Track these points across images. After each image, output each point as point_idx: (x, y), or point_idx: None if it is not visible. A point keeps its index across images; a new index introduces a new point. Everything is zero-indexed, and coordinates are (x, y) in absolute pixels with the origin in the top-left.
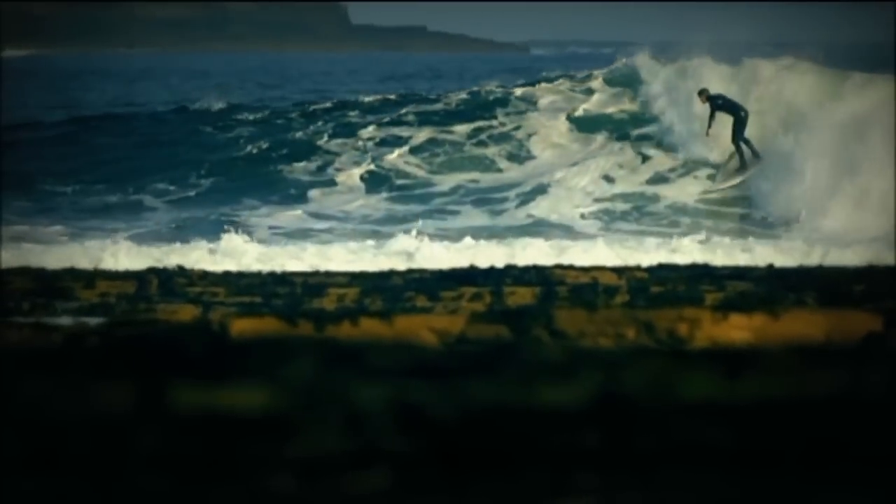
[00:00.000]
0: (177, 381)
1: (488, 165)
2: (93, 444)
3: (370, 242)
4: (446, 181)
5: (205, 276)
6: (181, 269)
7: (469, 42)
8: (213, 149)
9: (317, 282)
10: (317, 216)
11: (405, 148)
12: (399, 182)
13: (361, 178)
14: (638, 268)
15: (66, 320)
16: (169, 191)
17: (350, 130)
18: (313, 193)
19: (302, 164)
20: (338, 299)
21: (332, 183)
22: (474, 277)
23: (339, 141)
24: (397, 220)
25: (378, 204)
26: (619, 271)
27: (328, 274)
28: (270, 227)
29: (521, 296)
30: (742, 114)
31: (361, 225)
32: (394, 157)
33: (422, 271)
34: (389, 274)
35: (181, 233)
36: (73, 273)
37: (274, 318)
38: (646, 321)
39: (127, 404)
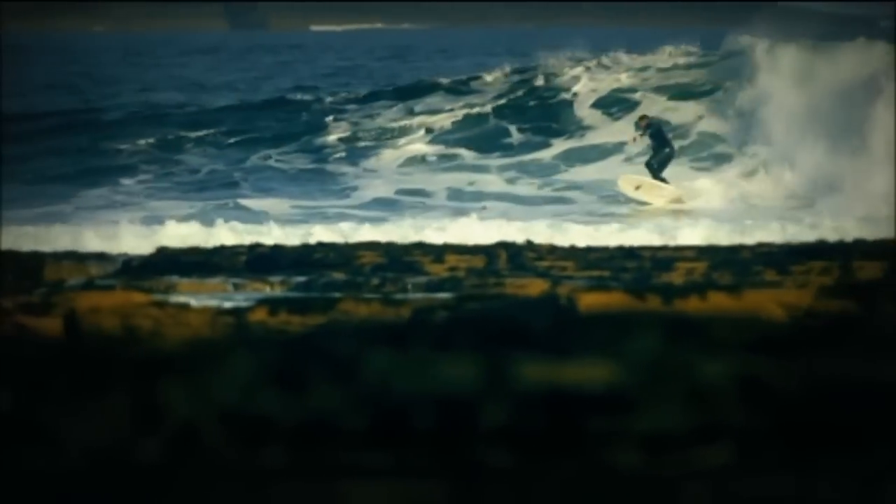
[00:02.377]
0: (522, 355)
1: None
2: (438, 419)
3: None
4: None
5: (553, 250)
6: (530, 244)
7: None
8: None
9: (665, 256)
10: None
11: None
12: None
13: None
14: None
15: (416, 295)
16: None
17: None
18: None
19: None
20: (686, 273)
21: None
22: (823, 251)
23: None
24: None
25: None
26: None
27: (677, 248)
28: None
29: (870, 270)
30: (667, 150)
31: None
32: None
33: (769, 245)
34: (738, 248)
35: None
36: (422, 247)
37: (622, 292)
38: None
39: (472, 379)
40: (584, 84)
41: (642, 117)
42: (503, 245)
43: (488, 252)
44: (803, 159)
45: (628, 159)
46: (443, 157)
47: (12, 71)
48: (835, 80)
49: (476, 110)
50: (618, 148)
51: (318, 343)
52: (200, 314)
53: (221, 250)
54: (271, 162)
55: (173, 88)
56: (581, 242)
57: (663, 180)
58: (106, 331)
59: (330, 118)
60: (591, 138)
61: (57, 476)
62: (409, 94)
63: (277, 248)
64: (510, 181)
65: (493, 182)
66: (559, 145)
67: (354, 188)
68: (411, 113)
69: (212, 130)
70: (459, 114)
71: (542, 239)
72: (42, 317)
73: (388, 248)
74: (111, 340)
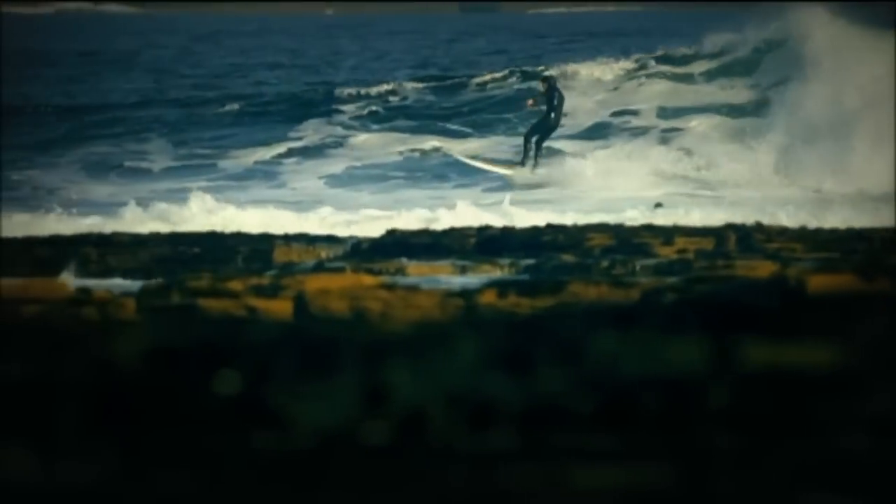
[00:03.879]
0: (749, 337)
1: None
2: (665, 402)
3: None
4: None
5: (783, 231)
6: (759, 225)
7: None
8: None
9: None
10: None
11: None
12: None
13: None
14: None
15: (644, 278)
16: None
17: None
18: None
19: None
20: None
21: None
22: None
23: None
24: None
25: None
26: None
27: None
28: None
29: None
30: (552, 118)
31: None
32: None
33: None
34: None
35: None
36: (651, 230)
37: (851, 274)
38: None
39: (699, 361)
40: None
41: (544, 79)
42: (732, 227)
43: (717, 234)
44: None
45: None
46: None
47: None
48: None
49: None
50: None
51: (546, 325)
52: (429, 296)
53: (451, 232)
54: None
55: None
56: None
57: (536, 152)
58: (334, 313)
59: None
60: None
61: (285, 457)
62: None
63: (507, 231)
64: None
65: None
66: None
67: None
68: None
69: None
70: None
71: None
72: (271, 299)
73: (618, 231)
74: (339, 322)
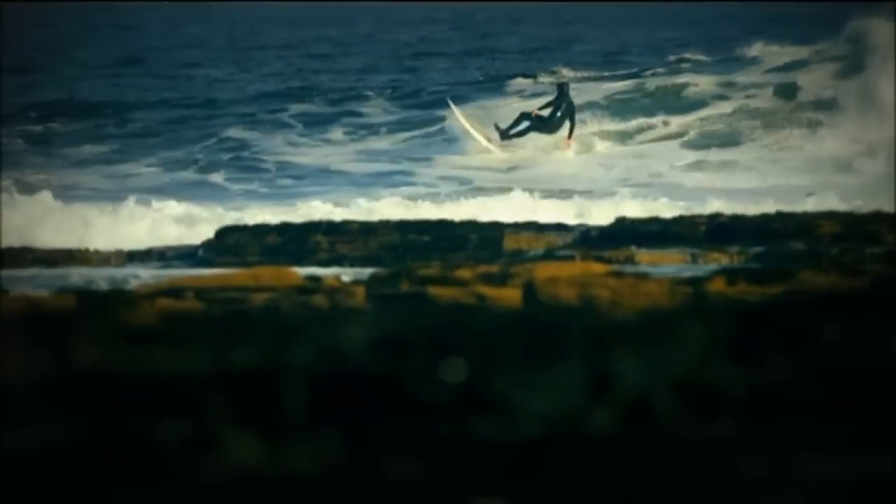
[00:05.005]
0: None
1: None
2: (893, 391)
3: None
4: None
5: None
6: None
7: None
8: None
9: None
10: None
11: None
12: None
13: None
14: None
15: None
16: None
17: None
18: None
19: None
20: None
21: None
22: None
23: None
24: None
25: None
26: None
27: None
28: None
29: None
30: (555, 120)
31: None
32: None
33: None
34: None
35: None
36: (879, 217)
37: None
38: None
39: None
40: None
41: (558, 85)
42: None
43: None
44: None
45: None
46: None
47: None
48: None
49: None
50: None
51: (775, 313)
52: (658, 284)
53: (681, 220)
54: None
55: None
56: None
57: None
58: (563, 301)
59: None
60: None
61: (510, 446)
62: None
63: (736, 218)
64: None
65: None
66: None
67: None
68: None
69: None
70: None
71: None
72: (500, 287)
73: (846, 218)
74: (567, 310)
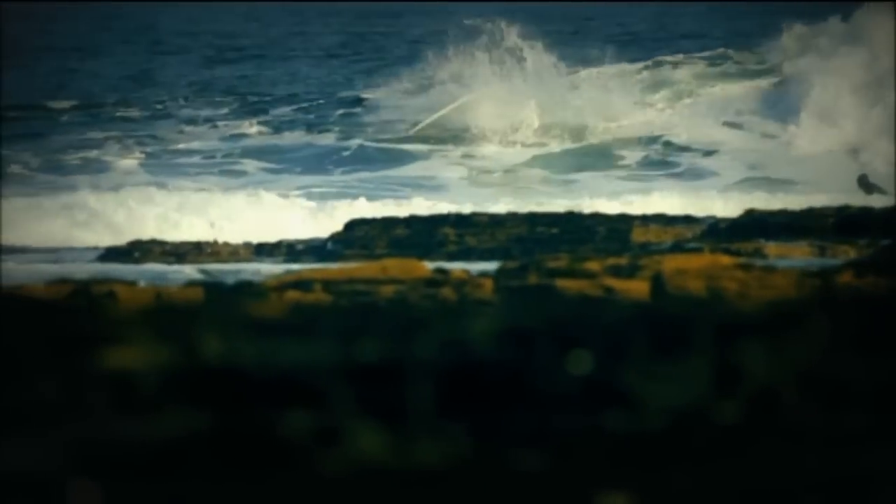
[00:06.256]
0: None
1: None
2: None
3: None
4: None
5: None
6: None
7: None
8: None
9: None
10: None
11: None
12: None
13: None
14: None
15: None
16: None
17: None
18: None
19: None
20: None
21: None
22: None
23: None
24: None
25: None
26: None
27: None
28: None
29: None
30: None
31: None
32: None
33: None
34: None
35: None
36: None
37: None
38: None
39: None
40: None
41: None
42: None
43: None
44: None
45: None
46: None
47: None
48: None
49: None
50: None
51: None
52: (786, 276)
53: (810, 212)
54: None
55: None
56: None
57: None
58: (691, 293)
59: None
60: None
61: (636, 438)
62: None
63: (865, 210)
64: None
65: None
66: None
67: None
68: None
69: None
70: None
71: None
72: (629, 279)
73: None
74: (695, 302)
